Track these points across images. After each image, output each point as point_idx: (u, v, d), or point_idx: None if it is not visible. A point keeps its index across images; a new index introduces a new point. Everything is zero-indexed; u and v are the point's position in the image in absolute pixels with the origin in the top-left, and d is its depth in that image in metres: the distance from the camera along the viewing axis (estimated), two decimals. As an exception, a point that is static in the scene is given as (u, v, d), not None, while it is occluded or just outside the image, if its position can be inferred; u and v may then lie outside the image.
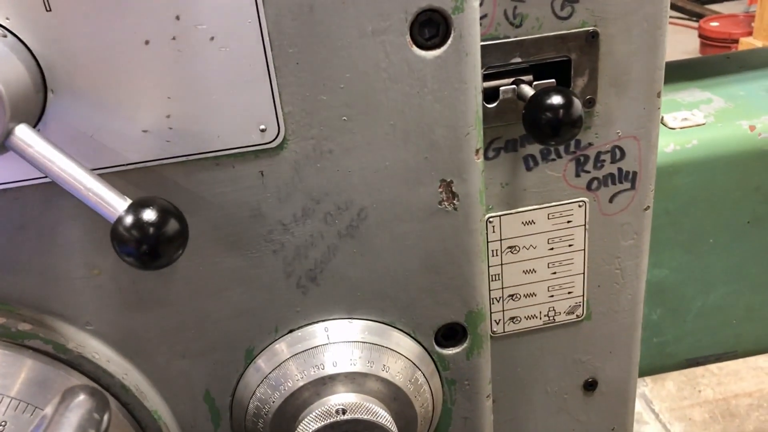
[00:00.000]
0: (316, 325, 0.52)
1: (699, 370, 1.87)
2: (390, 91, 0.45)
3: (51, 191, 0.45)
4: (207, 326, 0.50)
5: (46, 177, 0.42)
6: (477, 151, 0.48)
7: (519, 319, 0.66)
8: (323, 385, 0.51)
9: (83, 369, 0.49)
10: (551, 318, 0.67)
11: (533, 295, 0.66)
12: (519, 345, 0.68)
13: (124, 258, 0.40)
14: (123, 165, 0.44)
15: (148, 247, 0.39)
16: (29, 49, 0.41)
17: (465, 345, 0.54)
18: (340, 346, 0.52)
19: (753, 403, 1.68)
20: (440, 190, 0.48)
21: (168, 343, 0.50)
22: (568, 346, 0.69)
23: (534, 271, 0.65)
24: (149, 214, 0.39)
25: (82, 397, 0.31)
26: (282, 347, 0.52)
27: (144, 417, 0.51)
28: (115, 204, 0.40)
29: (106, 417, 0.31)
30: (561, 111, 0.51)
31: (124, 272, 0.48)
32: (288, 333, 0.52)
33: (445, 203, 0.49)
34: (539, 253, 0.64)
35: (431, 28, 0.44)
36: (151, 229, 0.39)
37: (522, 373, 0.69)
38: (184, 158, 0.45)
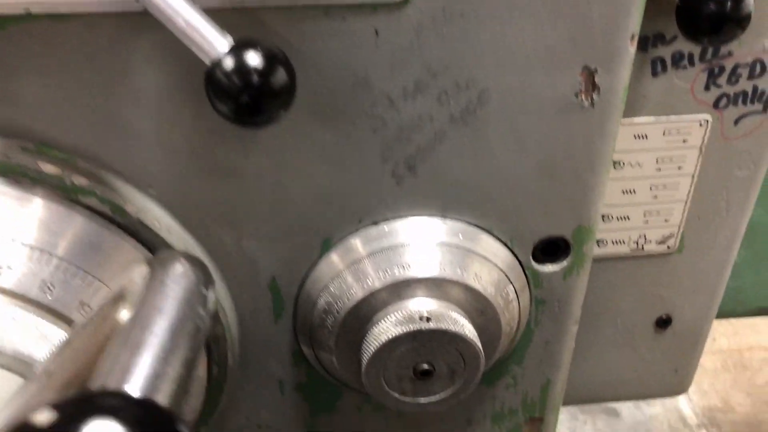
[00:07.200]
0: (405, 219, 0.46)
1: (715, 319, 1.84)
2: (546, -51, 0.37)
3: (128, 21, 0.37)
4: (284, 207, 0.44)
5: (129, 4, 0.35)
6: (632, 36, 0.40)
7: (605, 242, 0.60)
8: (406, 287, 0.45)
9: (140, 236, 0.42)
10: (640, 246, 0.61)
11: (627, 218, 0.59)
12: (598, 271, 0.62)
13: (217, 108, 0.33)
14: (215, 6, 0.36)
15: (250, 98, 0.32)
16: None
17: (565, 263, 0.48)
18: (429, 246, 0.46)
19: (766, 357, 1.65)
20: (580, 79, 0.41)
21: (238, 220, 0.44)
22: (650, 278, 0.63)
23: (634, 191, 0.58)
24: (254, 59, 0.32)
25: (183, 266, 0.24)
26: (364, 239, 0.46)
27: (202, 299, 0.46)
28: (215, 42, 0.32)
29: (212, 295, 0.25)
30: (729, 4, 0.42)
31: (201, 131, 0.41)
32: (372, 225, 0.46)
33: (582, 96, 0.41)
34: (644, 172, 0.57)
35: None
36: (255, 78, 0.32)
37: (594, 301, 0.64)
38: (290, 2, 0.37)
